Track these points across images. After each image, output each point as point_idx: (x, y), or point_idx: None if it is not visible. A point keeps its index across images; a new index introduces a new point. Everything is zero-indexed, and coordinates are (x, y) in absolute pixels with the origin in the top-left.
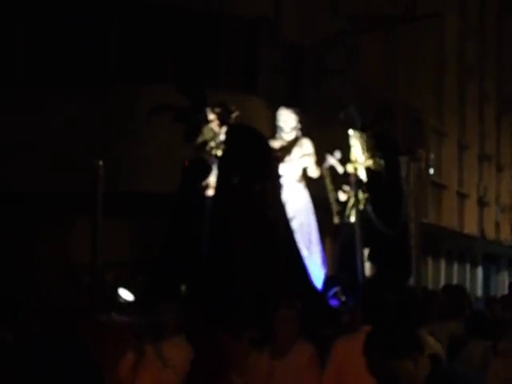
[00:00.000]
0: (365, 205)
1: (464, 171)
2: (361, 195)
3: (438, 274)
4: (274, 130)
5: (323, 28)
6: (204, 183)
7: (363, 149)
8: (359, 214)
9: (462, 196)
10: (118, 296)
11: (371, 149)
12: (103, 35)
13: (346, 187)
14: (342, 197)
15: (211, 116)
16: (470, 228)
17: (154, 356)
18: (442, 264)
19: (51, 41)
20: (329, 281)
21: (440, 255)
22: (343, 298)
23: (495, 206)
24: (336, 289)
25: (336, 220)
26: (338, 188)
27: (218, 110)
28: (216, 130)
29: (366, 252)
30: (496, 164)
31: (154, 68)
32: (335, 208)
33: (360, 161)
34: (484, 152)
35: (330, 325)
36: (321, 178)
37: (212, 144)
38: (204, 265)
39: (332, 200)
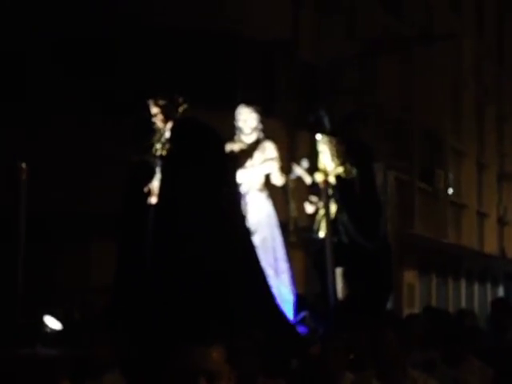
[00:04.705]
0: (335, 218)
1: (483, 190)
2: (331, 207)
3: (459, 294)
4: (290, 153)
5: (339, 49)
6: (146, 189)
7: (332, 155)
8: (330, 227)
9: (481, 215)
10: (42, 325)
11: (341, 155)
12: (112, 59)
13: (314, 198)
14: (310, 209)
15: (154, 110)
16: (490, 247)
17: None
18: (463, 284)
19: None
20: (295, 304)
21: (460, 275)
22: (312, 325)
23: None
24: (304, 313)
25: (293, 238)
26: (305, 200)
27: (162, 102)
28: (160, 126)
29: (337, 271)
30: None
31: (171, 92)
32: (292, 223)
33: (329, 169)
34: (503, 171)
35: (296, 356)
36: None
37: (157, 145)
38: (149, 289)
39: (292, 214)
